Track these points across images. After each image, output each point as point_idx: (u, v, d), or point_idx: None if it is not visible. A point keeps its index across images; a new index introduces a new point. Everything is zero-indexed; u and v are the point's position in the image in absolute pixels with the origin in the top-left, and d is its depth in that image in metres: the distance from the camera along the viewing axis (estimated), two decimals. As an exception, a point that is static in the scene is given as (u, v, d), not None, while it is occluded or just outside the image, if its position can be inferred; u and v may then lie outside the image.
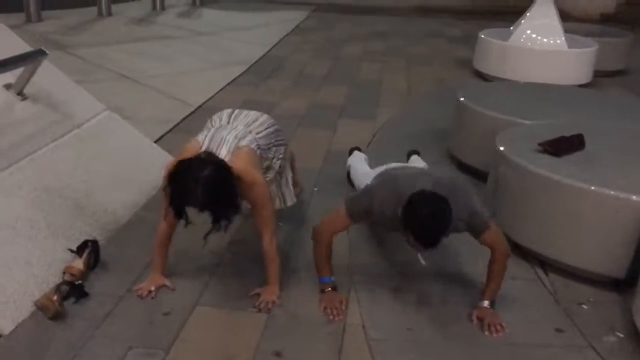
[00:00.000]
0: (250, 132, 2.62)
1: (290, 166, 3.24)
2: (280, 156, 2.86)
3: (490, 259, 2.45)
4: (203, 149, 2.38)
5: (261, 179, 2.45)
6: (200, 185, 2.13)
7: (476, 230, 2.39)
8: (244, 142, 2.50)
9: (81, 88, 3.82)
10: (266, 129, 2.74)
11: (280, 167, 2.88)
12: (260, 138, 2.65)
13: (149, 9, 9.69)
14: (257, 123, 2.73)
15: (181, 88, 5.70)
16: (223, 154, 2.37)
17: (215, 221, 2.26)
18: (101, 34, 7.96)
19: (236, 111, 2.80)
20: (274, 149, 2.78)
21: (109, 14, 8.89)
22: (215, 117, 2.76)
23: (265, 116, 2.84)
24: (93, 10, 8.86)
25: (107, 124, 3.70)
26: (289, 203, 3.04)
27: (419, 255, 2.36)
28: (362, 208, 2.42)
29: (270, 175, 2.80)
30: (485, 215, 2.41)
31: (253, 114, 2.80)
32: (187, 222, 2.30)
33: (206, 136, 2.47)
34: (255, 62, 7.09)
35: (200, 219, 2.29)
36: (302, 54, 7.66)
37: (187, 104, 5.22)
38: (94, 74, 5.94)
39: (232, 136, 2.48)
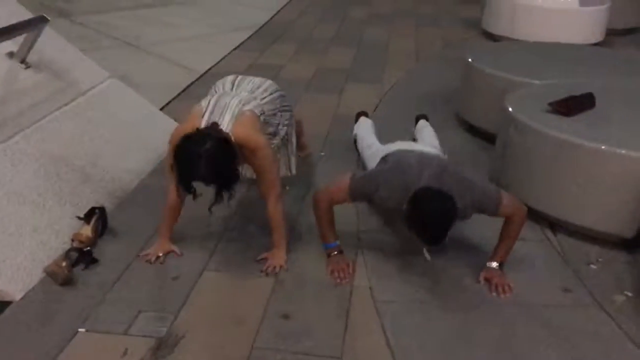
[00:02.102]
0: (254, 98, 2.59)
1: (298, 130, 3.22)
2: (286, 122, 2.83)
3: (505, 221, 2.43)
4: (206, 115, 2.36)
5: (264, 142, 2.42)
6: (203, 160, 2.14)
7: (490, 211, 2.37)
8: (247, 107, 2.47)
9: (84, 55, 3.79)
10: (270, 94, 2.71)
11: (286, 133, 2.86)
12: (264, 104, 2.62)
13: (152, -25, 9.54)
14: (261, 89, 2.69)
15: (186, 54, 5.64)
16: (227, 119, 2.35)
17: (218, 193, 2.28)
18: (103, 0, 7.87)
19: (239, 77, 2.76)
20: (279, 114, 2.75)
21: (112, -20, 8.77)
22: (219, 84, 2.73)
23: (269, 82, 2.80)
24: (95, -23, 8.74)
25: (111, 91, 3.67)
26: (294, 171, 3.03)
27: (425, 251, 2.36)
28: (366, 191, 2.41)
29: (276, 141, 2.77)
30: (493, 193, 2.37)
31: (257, 80, 2.76)
32: (195, 196, 2.33)
33: (209, 102, 2.44)
34: (261, 26, 7.00)
35: (207, 188, 2.29)
36: (308, 18, 7.55)
37: (192, 70, 5.18)
38: (96, 42, 5.89)
39: (235, 102, 2.45)
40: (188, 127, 2.30)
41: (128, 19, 6.94)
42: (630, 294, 2.39)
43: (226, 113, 2.38)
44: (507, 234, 2.44)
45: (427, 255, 2.33)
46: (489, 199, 2.34)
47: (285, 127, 2.83)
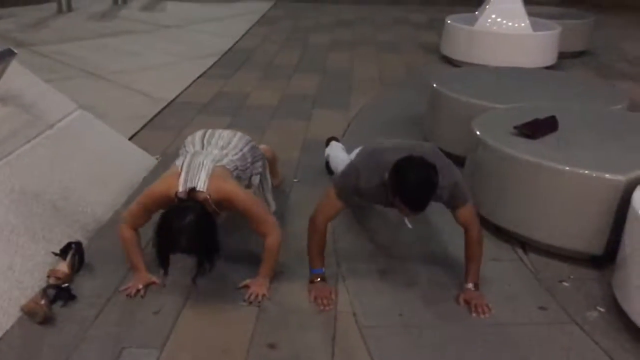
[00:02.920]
0: (226, 155, 2.65)
1: (271, 162, 3.26)
2: (259, 171, 2.90)
3: (466, 242, 2.50)
4: (182, 176, 2.40)
5: (237, 190, 2.48)
6: (185, 234, 2.22)
7: (457, 201, 2.42)
8: (220, 164, 2.54)
9: (51, 87, 3.74)
10: (241, 150, 2.76)
11: (260, 180, 2.92)
12: (237, 160, 2.68)
13: (110, 3, 9.52)
14: (231, 145, 2.74)
15: (151, 83, 5.63)
16: (202, 178, 2.40)
17: (200, 264, 2.34)
18: (63, 30, 7.79)
19: (208, 133, 2.80)
20: (250, 167, 2.81)
21: (69, 9, 8.71)
22: (188, 142, 2.77)
23: (238, 135, 2.84)
24: (52, 6, 8.66)
25: (80, 123, 3.62)
26: (273, 208, 3.06)
27: (406, 220, 2.37)
28: (350, 185, 2.43)
29: (251, 190, 2.83)
30: (466, 190, 2.45)
31: (226, 135, 2.81)
32: (166, 274, 2.41)
33: (183, 163, 2.48)
34: (224, 54, 7.04)
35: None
36: (270, 45, 7.63)
37: (158, 99, 5.16)
38: (59, 72, 5.83)
39: (209, 160, 2.51)
40: (164, 186, 2.40)
41: (88, 48, 6.90)
42: (602, 310, 2.48)
43: (201, 172, 2.43)
44: (471, 255, 2.51)
45: (408, 224, 2.32)
46: (461, 191, 2.42)
47: (258, 176, 2.90)
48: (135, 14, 9.12)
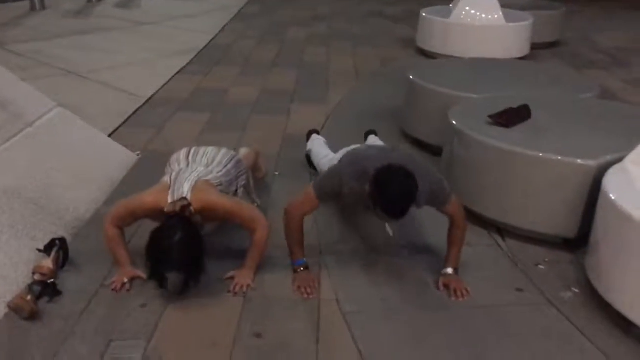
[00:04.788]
0: (211, 172, 2.71)
1: (255, 161, 3.33)
2: (243, 182, 2.96)
3: (450, 228, 2.58)
4: (170, 190, 2.48)
5: (218, 199, 2.55)
6: (175, 252, 2.30)
7: (438, 203, 2.51)
8: (203, 179, 2.60)
9: (29, 85, 3.73)
10: (225, 166, 2.81)
11: (244, 191, 2.99)
12: (221, 176, 2.73)
13: (84, 1, 9.42)
14: (215, 162, 2.80)
15: (128, 80, 5.61)
16: (186, 188, 2.48)
17: (186, 283, 2.40)
18: (37, 28, 7.70)
19: (192, 150, 2.86)
20: (235, 182, 2.86)
21: (43, 7, 8.60)
22: (174, 160, 2.83)
23: (223, 151, 2.90)
24: (25, 4, 8.55)
25: (59, 120, 3.63)
26: (259, 201, 3.16)
27: (387, 226, 2.43)
28: (331, 189, 2.50)
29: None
30: (446, 188, 2.53)
31: (210, 151, 2.86)
32: (162, 287, 2.43)
33: (170, 179, 2.55)
34: (201, 50, 7.03)
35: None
36: (247, 40, 7.64)
37: (136, 96, 5.15)
38: (34, 71, 5.78)
39: (194, 176, 2.57)
40: (154, 201, 2.48)
41: (64, 46, 6.84)
42: (577, 290, 2.57)
43: (185, 184, 2.51)
44: (454, 240, 2.59)
45: (389, 230, 2.38)
46: (442, 190, 2.50)
47: (242, 188, 2.95)
48: (110, 11, 9.04)
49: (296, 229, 2.56)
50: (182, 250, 2.30)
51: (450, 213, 2.54)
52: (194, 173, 2.62)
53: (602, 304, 2.41)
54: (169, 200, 2.45)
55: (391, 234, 2.38)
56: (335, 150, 3.34)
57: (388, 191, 2.23)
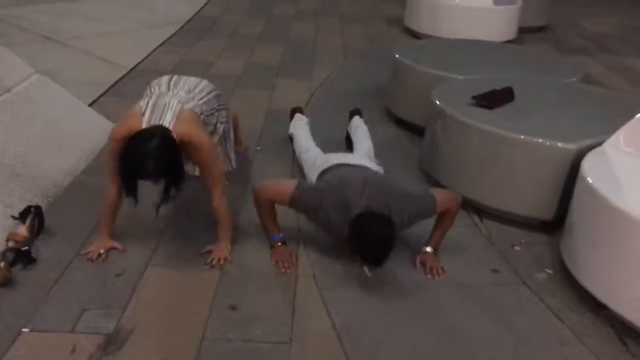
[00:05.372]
0: (192, 98, 2.62)
1: (235, 125, 3.26)
2: (224, 120, 2.88)
3: (440, 214, 2.57)
4: (147, 115, 2.37)
5: (206, 138, 2.46)
6: (150, 157, 2.18)
7: (428, 214, 2.52)
8: (187, 107, 2.49)
9: (8, 50, 3.65)
10: (207, 94, 2.74)
11: (224, 130, 2.90)
12: (202, 104, 2.65)
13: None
14: (197, 89, 2.72)
15: (111, 49, 5.51)
16: (168, 119, 2.36)
17: (166, 190, 2.31)
18: (19, -7, 7.52)
19: (175, 77, 2.77)
20: (216, 114, 2.79)
21: (26, -28, 8.37)
22: (154, 84, 2.73)
23: (205, 82, 2.83)
24: (6, -32, 8.32)
25: (38, 87, 3.56)
26: (234, 165, 3.07)
27: (365, 268, 2.45)
28: (307, 206, 2.49)
29: (215, 139, 2.82)
30: (428, 199, 2.50)
31: (193, 79, 2.78)
32: (136, 202, 2.33)
33: (148, 103, 2.44)
34: (187, 22, 6.93)
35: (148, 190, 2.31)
36: (233, 14, 7.53)
37: (119, 65, 5.07)
38: (13, 36, 5.66)
39: (175, 101, 2.47)
40: (127, 127, 2.33)
41: (46, 12, 6.69)
42: (550, 272, 2.61)
43: (167, 112, 2.39)
44: (442, 222, 2.60)
45: (367, 272, 2.42)
46: (425, 206, 2.49)
47: (222, 125, 2.87)
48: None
49: (266, 207, 2.55)
50: (157, 156, 2.19)
51: (442, 211, 2.54)
52: (175, 97, 2.51)
53: (574, 286, 2.44)
54: (143, 127, 2.33)
55: (369, 275, 2.41)
56: (314, 135, 3.32)
57: (366, 245, 2.26)
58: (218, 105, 2.82)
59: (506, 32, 6.40)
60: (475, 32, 5.83)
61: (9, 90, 3.31)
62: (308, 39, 6.48)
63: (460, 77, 3.73)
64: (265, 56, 5.73)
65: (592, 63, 5.96)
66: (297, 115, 3.70)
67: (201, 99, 2.68)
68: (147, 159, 2.17)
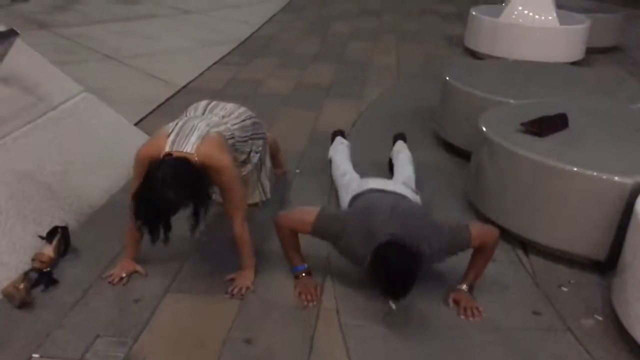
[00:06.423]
0: (225, 122, 2.56)
1: (274, 149, 3.20)
2: (259, 149, 2.80)
3: (476, 251, 2.40)
4: (172, 136, 2.31)
5: (228, 162, 2.36)
6: (169, 184, 2.09)
7: (462, 248, 2.34)
8: (215, 130, 2.43)
9: (60, 68, 3.74)
10: (243, 120, 2.67)
11: (259, 159, 2.81)
12: (235, 129, 2.58)
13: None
14: (234, 115, 2.65)
15: (166, 68, 5.61)
16: (192, 140, 2.29)
17: (195, 214, 2.23)
18: (87, 13, 7.85)
19: (213, 102, 2.71)
20: (250, 142, 2.70)
21: (96, -8, 8.75)
22: (191, 108, 2.69)
23: (243, 109, 2.75)
24: (79, -11, 8.72)
25: (84, 105, 3.62)
26: (268, 196, 2.98)
27: (390, 302, 2.30)
28: (330, 232, 2.36)
29: (248, 168, 2.74)
30: (462, 233, 2.32)
31: (230, 105, 2.72)
32: (167, 240, 2.24)
33: (177, 124, 2.39)
34: (243, 41, 6.98)
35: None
36: (291, 33, 7.55)
37: (171, 84, 5.14)
38: (78, 54, 5.86)
39: (203, 124, 2.41)
40: (151, 148, 2.29)
41: (110, 31, 6.93)
42: (600, 318, 2.36)
43: (193, 134, 2.33)
44: (478, 258, 2.41)
45: (392, 305, 2.26)
46: (458, 238, 2.31)
47: (257, 154, 2.79)
48: (161, -1, 9.13)
49: (289, 237, 2.44)
50: (176, 180, 2.07)
51: (477, 246, 2.36)
52: (205, 121, 2.42)
53: (625, 336, 2.19)
54: (167, 149, 2.25)
55: (394, 307, 2.24)
56: (357, 158, 3.18)
57: (387, 275, 2.09)
58: (253, 134, 2.73)
59: (572, 53, 6.08)
60: (539, 52, 5.59)
61: (54, 108, 3.38)
62: (363, 58, 6.38)
63: (512, 101, 3.52)
64: (317, 75, 5.67)
65: (666, 86, 5.54)
66: (338, 139, 3.60)
67: (235, 124, 2.61)
68: (165, 187, 2.08)
